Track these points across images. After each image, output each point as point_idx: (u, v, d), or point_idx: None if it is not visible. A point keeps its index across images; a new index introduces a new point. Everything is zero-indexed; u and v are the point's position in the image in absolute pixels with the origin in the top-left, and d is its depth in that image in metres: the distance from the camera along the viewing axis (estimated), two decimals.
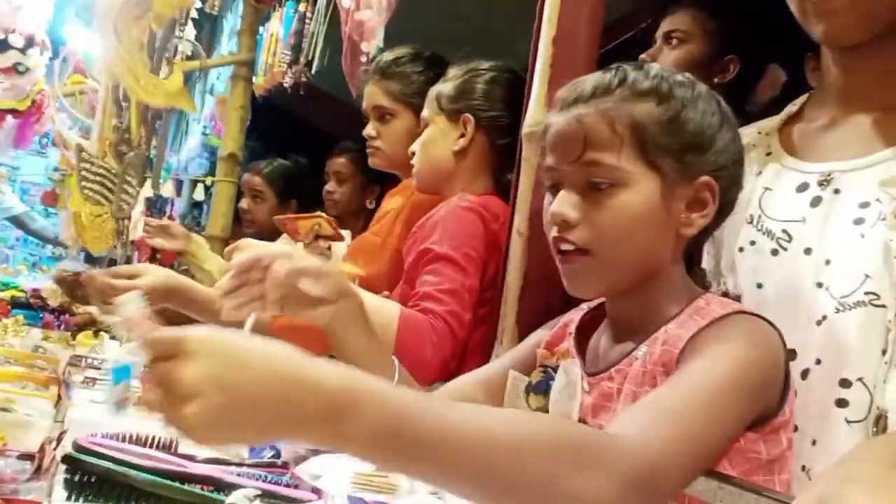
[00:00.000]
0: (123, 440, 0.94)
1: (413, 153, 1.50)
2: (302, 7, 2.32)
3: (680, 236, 0.89)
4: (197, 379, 0.56)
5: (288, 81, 2.32)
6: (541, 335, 1.05)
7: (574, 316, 1.02)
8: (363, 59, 1.89)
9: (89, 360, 1.53)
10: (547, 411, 0.96)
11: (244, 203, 2.77)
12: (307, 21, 2.27)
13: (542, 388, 0.99)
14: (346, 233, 1.82)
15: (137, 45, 1.38)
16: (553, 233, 0.89)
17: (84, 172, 2.17)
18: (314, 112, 3.49)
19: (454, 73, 1.49)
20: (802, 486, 0.78)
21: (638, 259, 0.88)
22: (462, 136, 1.45)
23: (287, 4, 2.44)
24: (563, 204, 0.87)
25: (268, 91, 2.57)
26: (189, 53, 2.38)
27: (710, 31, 1.62)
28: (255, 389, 0.57)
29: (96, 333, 1.94)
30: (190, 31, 2.05)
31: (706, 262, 1.08)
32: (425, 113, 1.49)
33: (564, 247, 0.88)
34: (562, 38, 1.15)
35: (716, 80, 1.57)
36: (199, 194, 2.92)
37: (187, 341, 0.58)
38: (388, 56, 1.68)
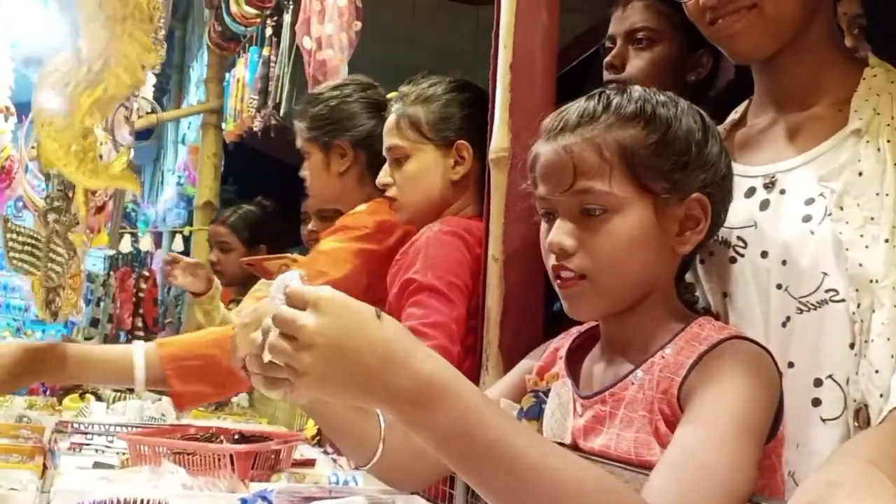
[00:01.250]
0: None
1: (385, 184, 1.43)
2: (266, 51, 2.34)
3: (675, 255, 0.90)
4: (320, 331, 0.63)
5: (257, 125, 2.34)
6: (529, 363, 1.04)
7: (564, 341, 1.02)
8: None
9: (75, 426, 1.51)
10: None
11: (212, 255, 2.70)
12: (272, 65, 2.28)
13: (534, 414, 0.98)
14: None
15: (78, 130, 1.32)
16: (552, 261, 0.90)
17: (11, 242, 2.14)
18: (288, 152, 3.51)
19: (420, 93, 1.41)
20: (789, 493, 0.78)
21: (635, 281, 0.88)
22: (457, 163, 1.40)
23: (251, 50, 2.46)
24: (560, 233, 0.88)
25: (238, 137, 2.58)
26: (148, 110, 2.38)
27: (678, 26, 1.44)
28: (363, 355, 0.64)
29: (82, 396, 1.91)
30: (147, 89, 2.06)
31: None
32: (400, 142, 1.41)
33: (565, 274, 0.89)
34: (518, 63, 1.16)
35: (692, 77, 1.45)
36: (177, 245, 2.92)
37: (322, 298, 0.64)
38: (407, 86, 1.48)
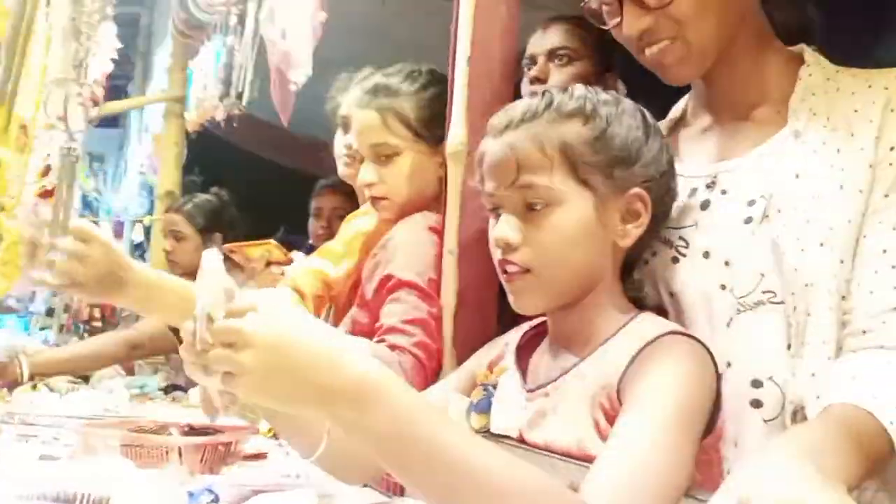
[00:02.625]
0: (51, 501, 0.91)
1: (371, 184, 1.37)
2: (230, 40, 2.31)
3: (617, 248, 0.92)
4: (256, 332, 0.64)
5: (220, 115, 2.31)
6: (479, 357, 1.05)
7: (515, 335, 1.03)
8: (292, 87, 1.89)
9: (22, 416, 1.48)
10: (489, 430, 0.96)
11: (167, 244, 2.64)
12: (235, 54, 2.26)
13: (483, 407, 0.99)
14: (298, 254, 1.78)
15: None
16: (498, 255, 0.92)
17: None
18: (253, 142, 3.48)
19: (399, 86, 1.37)
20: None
21: (578, 274, 0.90)
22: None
23: (214, 38, 2.43)
24: (505, 227, 0.90)
25: (201, 126, 2.55)
26: (106, 97, 2.33)
27: (592, 46, 1.62)
28: (301, 354, 0.64)
29: (34, 386, 1.88)
30: (102, 75, 2.02)
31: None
32: (391, 140, 1.35)
33: (510, 268, 0.91)
34: (476, 57, 1.16)
35: None
36: (138, 235, 2.87)
37: (258, 302, 0.66)
38: (375, 74, 1.42)
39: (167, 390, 2.30)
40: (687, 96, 1.08)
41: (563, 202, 0.88)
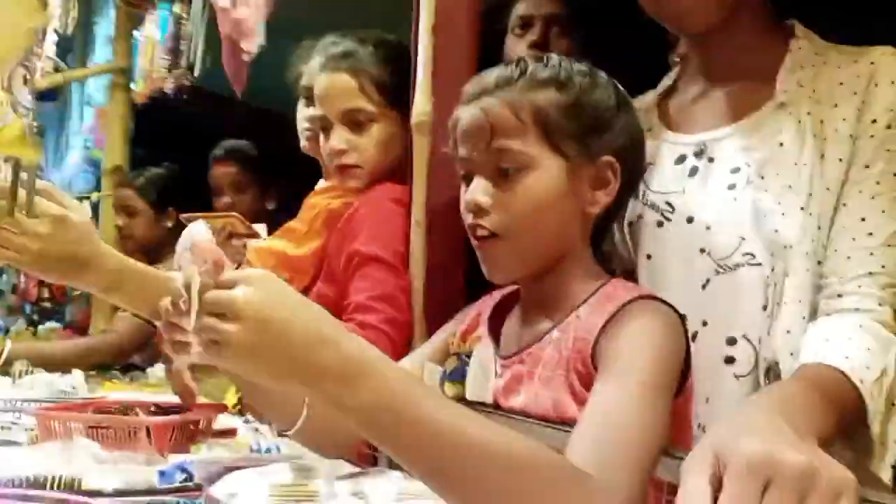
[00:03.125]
0: (22, 485, 0.89)
1: (342, 151, 1.34)
2: (177, 9, 2.23)
3: (586, 215, 0.94)
4: (248, 304, 0.63)
5: (169, 87, 2.24)
6: (452, 327, 1.06)
7: (487, 304, 1.05)
8: (245, 57, 1.84)
9: None
10: (464, 398, 0.97)
11: (118, 219, 2.57)
12: (183, 23, 2.19)
13: (457, 376, 1.00)
14: (260, 227, 1.74)
15: None
16: (469, 220, 0.93)
17: None
18: (202, 115, 3.39)
19: (369, 54, 1.33)
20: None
21: (549, 239, 0.92)
22: None
23: (160, 6, 2.35)
24: (477, 191, 0.91)
25: (149, 98, 2.47)
26: (52, 69, 2.24)
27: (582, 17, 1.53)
28: (290, 330, 0.64)
29: None
30: (49, 47, 1.94)
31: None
32: (367, 105, 1.32)
33: (480, 232, 0.93)
34: (441, 26, 1.15)
35: None
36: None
37: (252, 275, 0.66)
38: (342, 40, 1.38)
39: (124, 370, 2.27)
40: (677, 68, 1.10)
41: (535, 167, 0.89)
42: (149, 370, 2.16)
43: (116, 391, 1.80)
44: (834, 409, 0.75)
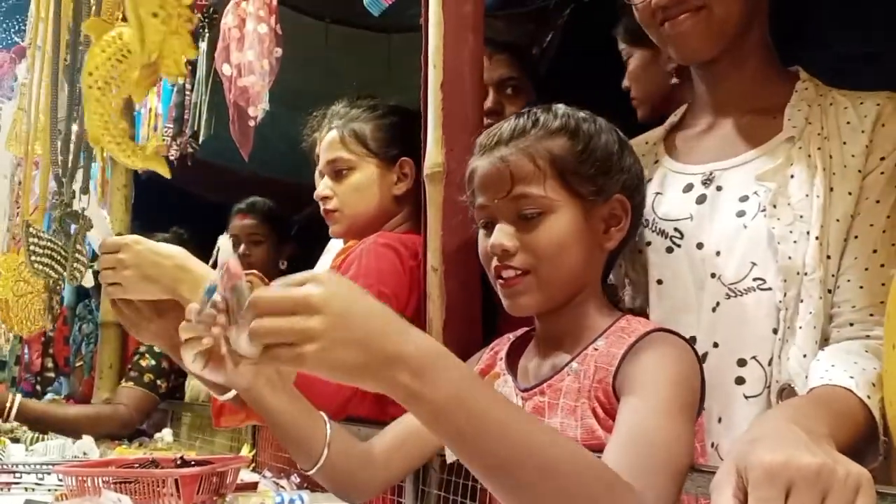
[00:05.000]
0: None
1: (324, 197, 1.47)
2: (181, 79, 2.31)
3: (603, 251, 1.00)
4: (326, 299, 0.63)
5: (173, 154, 2.30)
6: (472, 367, 1.09)
7: (502, 344, 1.08)
8: (251, 123, 1.90)
9: (3, 465, 1.44)
10: None
11: None
12: (187, 92, 2.26)
13: None
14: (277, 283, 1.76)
15: (118, 109, 1.41)
16: (494, 263, 0.98)
17: (32, 247, 2.08)
18: (202, 185, 3.44)
19: (361, 113, 1.49)
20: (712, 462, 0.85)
21: (571, 274, 0.97)
22: (399, 179, 1.47)
23: (164, 78, 2.42)
24: (501, 235, 0.96)
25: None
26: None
27: (529, 75, 1.69)
28: (370, 322, 0.64)
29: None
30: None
31: (614, 272, 1.16)
32: (346, 155, 1.47)
33: (507, 273, 0.97)
34: (448, 82, 1.21)
35: None
36: (87, 281, 2.79)
37: (318, 274, 0.66)
38: (343, 106, 1.54)
39: (132, 437, 2.26)
40: (684, 105, 1.17)
41: (555, 210, 0.95)
42: (156, 435, 2.16)
43: (127, 455, 1.80)
44: (844, 423, 0.78)
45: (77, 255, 2.04)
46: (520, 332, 1.09)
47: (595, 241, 0.98)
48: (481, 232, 1.01)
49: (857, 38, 1.72)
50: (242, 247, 2.50)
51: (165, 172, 1.42)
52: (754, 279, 0.98)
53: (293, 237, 2.57)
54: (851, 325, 0.93)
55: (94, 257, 3.11)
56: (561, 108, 1.01)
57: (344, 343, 0.63)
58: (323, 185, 1.49)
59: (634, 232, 1.04)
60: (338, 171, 1.47)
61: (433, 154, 1.21)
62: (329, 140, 1.49)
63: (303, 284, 0.64)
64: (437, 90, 1.21)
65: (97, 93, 1.39)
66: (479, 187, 0.99)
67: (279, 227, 2.58)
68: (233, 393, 1.27)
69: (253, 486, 1.35)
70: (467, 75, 1.21)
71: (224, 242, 0.78)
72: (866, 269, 0.93)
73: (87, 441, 1.81)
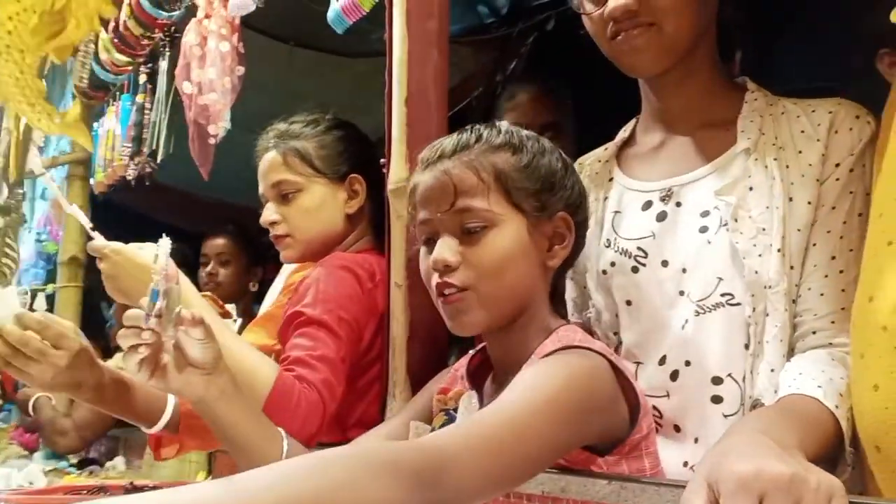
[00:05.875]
0: None
1: (273, 222, 1.39)
2: (139, 98, 2.27)
3: (547, 269, 0.98)
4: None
5: (131, 174, 2.25)
6: (432, 387, 1.07)
7: (462, 362, 1.06)
8: (211, 141, 1.88)
9: None
10: None
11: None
12: (146, 112, 2.22)
13: None
14: (230, 307, 1.73)
15: (32, 67, 1.28)
16: (435, 279, 0.95)
17: None
18: (157, 206, 3.38)
19: (301, 130, 1.41)
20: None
21: (514, 291, 0.94)
22: (350, 197, 1.41)
23: (122, 98, 2.38)
24: (444, 249, 0.93)
25: (109, 187, 2.47)
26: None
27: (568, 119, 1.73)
28: None
29: None
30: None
31: (570, 290, 1.15)
32: (291, 177, 1.38)
33: (448, 290, 0.94)
34: (413, 97, 1.20)
35: None
36: (39, 304, 2.71)
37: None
38: (281, 122, 1.46)
39: (81, 465, 2.18)
40: (633, 121, 1.16)
41: (498, 224, 0.93)
42: (108, 464, 2.09)
43: (76, 482, 1.73)
44: (812, 432, 0.78)
45: (7, 249, 1.94)
46: (479, 346, 1.07)
47: (539, 258, 0.96)
48: (423, 249, 0.98)
49: (816, 74, 1.76)
50: (211, 265, 2.47)
51: (88, 144, 1.33)
52: (722, 294, 0.97)
53: (264, 260, 2.54)
54: (814, 333, 0.93)
55: (49, 278, 3.03)
56: (504, 124, 1.00)
57: None
58: (269, 211, 1.40)
59: (577, 252, 1.02)
60: (284, 195, 1.39)
61: (398, 169, 1.20)
62: (270, 161, 1.40)
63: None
64: (401, 106, 1.20)
65: (8, 48, 1.24)
66: (421, 201, 0.97)
67: (249, 250, 2.56)
68: (161, 424, 1.25)
69: None
70: (432, 91, 1.21)
71: (164, 244, 0.75)
72: (826, 277, 0.93)
73: (34, 470, 1.74)
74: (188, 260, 2.63)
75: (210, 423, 0.97)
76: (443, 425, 1.01)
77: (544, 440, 0.75)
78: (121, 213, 3.18)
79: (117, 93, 2.44)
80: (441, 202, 0.94)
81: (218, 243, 2.51)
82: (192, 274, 2.50)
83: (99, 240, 1.20)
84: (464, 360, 1.07)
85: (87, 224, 1.23)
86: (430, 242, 0.96)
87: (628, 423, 0.86)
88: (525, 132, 0.99)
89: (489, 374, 1.03)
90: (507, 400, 0.76)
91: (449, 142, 0.97)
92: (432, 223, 0.96)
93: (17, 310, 1.15)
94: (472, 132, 0.97)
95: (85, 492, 1.20)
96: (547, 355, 0.86)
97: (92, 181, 2.56)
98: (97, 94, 2.57)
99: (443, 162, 0.96)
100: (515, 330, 0.95)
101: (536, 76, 2.01)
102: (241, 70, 1.85)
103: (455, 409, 1.01)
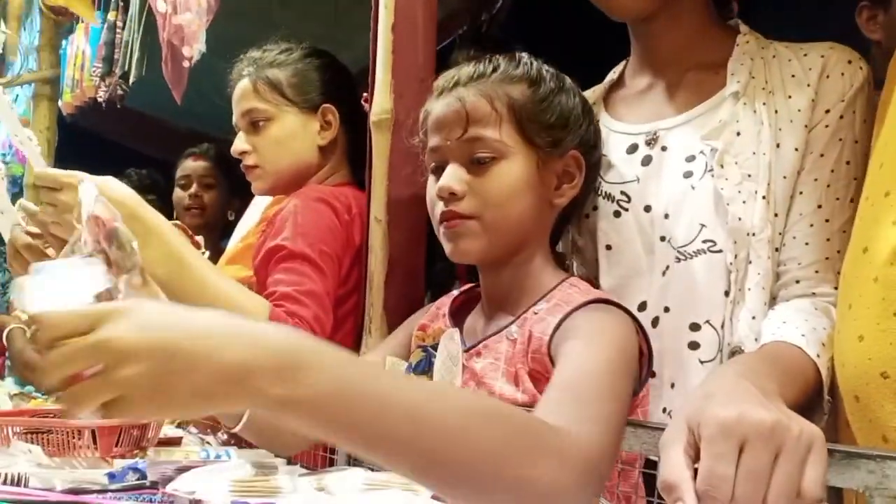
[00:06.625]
0: None
1: (243, 152, 1.36)
2: (111, 16, 2.18)
3: (553, 207, 0.96)
4: (124, 340, 0.52)
5: (102, 95, 2.17)
6: (412, 323, 1.06)
7: (445, 300, 1.05)
8: (185, 63, 1.81)
9: None
10: None
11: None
12: (118, 31, 2.13)
13: (423, 368, 0.99)
14: (200, 239, 1.69)
15: None
16: (440, 207, 0.93)
17: None
18: (126, 131, 3.29)
19: (275, 58, 1.37)
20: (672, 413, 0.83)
21: (518, 224, 0.93)
22: (323, 128, 1.36)
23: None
24: (451, 178, 0.92)
25: (77, 108, 2.39)
26: None
27: None
28: (201, 346, 0.53)
29: None
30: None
31: (562, 239, 1.13)
32: (260, 105, 1.34)
33: (452, 218, 0.92)
34: (399, 25, 1.16)
35: None
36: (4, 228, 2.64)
37: (113, 309, 0.54)
38: (256, 51, 1.41)
39: (48, 392, 2.15)
40: (623, 62, 1.13)
41: (508, 155, 0.92)
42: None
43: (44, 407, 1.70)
44: (793, 380, 0.78)
45: None
46: (465, 287, 1.05)
47: (546, 195, 0.95)
48: (431, 178, 0.97)
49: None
50: (195, 187, 2.36)
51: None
52: (704, 241, 0.96)
53: (242, 190, 2.46)
54: (798, 282, 0.92)
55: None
56: (525, 56, 0.98)
57: (171, 383, 0.53)
58: (240, 140, 1.36)
59: (587, 193, 1.01)
60: (254, 123, 1.34)
61: (381, 100, 1.16)
62: (242, 89, 1.36)
63: (96, 326, 0.53)
64: (387, 32, 1.15)
65: None
66: (432, 128, 0.95)
67: (231, 176, 2.47)
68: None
69: (177, 441, 1.29)
70: (420, 18, 1.16)
71: (86, 189, 0.67)
72: (811, 226, 0.92)
73: None
74: (159, 187, 2.56)
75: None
76: (419, 362, 1.00)
77: (628, 395, 0.77)
78: (88, 136, 3.09)
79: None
80: (452, 129, 0.92)
81: (201, 165, 2.38)
82: (163, 199, 2.42)
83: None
84: (446, 299, 1.05)
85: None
86: (439, 171, 0.95)
87: (638, 381, 0.86)
88: (546, 67, 0.97)
89: (469, 311, 1.02)
90: (591, 369, 0.76)
91: (466, 70, 0.95)
92: (442, 150, 0.94)
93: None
94: (490, 62, 0.95)
95: (52, 415, 1.17)
96: (578, 307, 0.85)
97: (60, 102, 2.46)
98: (66, 11, 2.46)
99: (457, 89, 0.94)
100: (512, 265, 0.95)
101: (491, 38, 1.92)
102: None
103: (433, 347, 1.00)
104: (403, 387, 0.60)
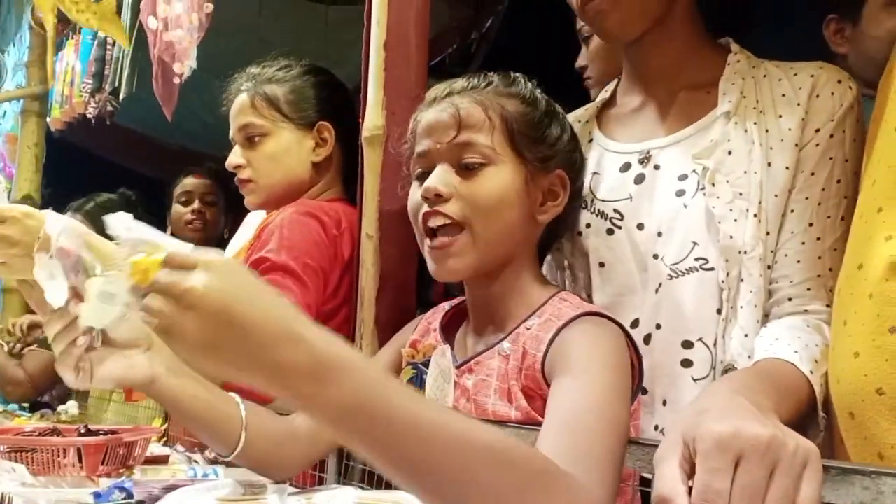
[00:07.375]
0: None
1: (238, 166, 1.37)
2: (102, 33, 2.17)
3: (536, 224, 0.96)
4: (207, 291, 0.57)
5: (91, 111, 2.16)
6: (401, 339, 1.05)
7: (436, 315, 1.04)
8: (176, 80, 1.81)
9: None
10: None
11: None
12: (108, 47, 2.13)
13: (415, 385, 0.98)
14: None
15: None
16: (423, 209, 0.92)
17: None
18: (115, 147, 3.27)
19: (274, 74, 1.38)
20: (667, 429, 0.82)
21: (508, 234, 0.92)
22: (318, 145, 1.37)
23: (83, 31, 2.28)
24: (437, 178, 0.91)
25: (66, 125, 2.38)
26: None
27: None
28: (252, 326, 0.57)
29: None
30: None
31: (553, 256, 1.13)
32: (256, 120, 1.35)
33: (435, 222, 0.91)
34: (392, 42, 1.16)
35: None
36: None
37: (209, 259, 0.59)
38: (255, 67, 1.43)
39: (33, 408, 2.12)
40: (614, 81, 1.14)
41: (497, 163, 0.91)
42: (60, 408, 2.03)
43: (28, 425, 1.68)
44: (787, 396, 0.78)
45: None
46: (455, 301, 1.05)
47: (530, 210, 0.94)
48: (414, 184, 0.96)
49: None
50: (197, 204, 2.37)
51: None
52: (696, 259, 0.96)
53: (236, 207, 2.46)
54: (790, 299, 0.92)
55: None
56: (519, 76, 0.98)
57: (219, 346, 0.57)
58: (235, 154, 1.37)
59: (570, 215, 1.01)
60: (250, 138, 1.36)
61: (373, 116, 1.16)
62: (239, 104, 1.37)
63: (194, 268, 0.58)
64: (379, 49, 1.15)
65: None
66: (423, 133, 0.95)
67: (228, 194, 2.47)
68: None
69: (164, 460, 1.27)
70: (412, 35, 1.17)
71: (52, 222, 0.67)
72: (803, 244, 0.93)
73: None
74: (133, 202, 2.53)
75: (164, 403, 0.91)
76: (410, 379, 0.99)
77: (625, 418, 0.77)
78: (76, 153, 3.08)
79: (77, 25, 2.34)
80: (444, 132, 0.92)
81: (205, 182, 2.40)
82: (146, 218, 2.39)
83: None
84: (437, 314, 1.04)
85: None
86: (424, 177, 0.93)
87: (631, 393, 0.85)
88: (538, 90, 0.98)
89: (459, 326, 1.01)
90: (590, 402, 0.75)
91: (460, 82, 0.96)
92: (430, 154, 0.93)
93: None
94: (484, 77, 0.96)
95: (37, 433, 1.15)
96: (570, 321, 0.85)
97: (48, 118, 2.45)
98: (58, 27, 2.45)
99: (451, 97, 0.94)
100: (499, 282, 0.94)
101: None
102: (209, 7, 1.78)
103: (424, 364, 0.99)
104: (424, 409, 0.60)
